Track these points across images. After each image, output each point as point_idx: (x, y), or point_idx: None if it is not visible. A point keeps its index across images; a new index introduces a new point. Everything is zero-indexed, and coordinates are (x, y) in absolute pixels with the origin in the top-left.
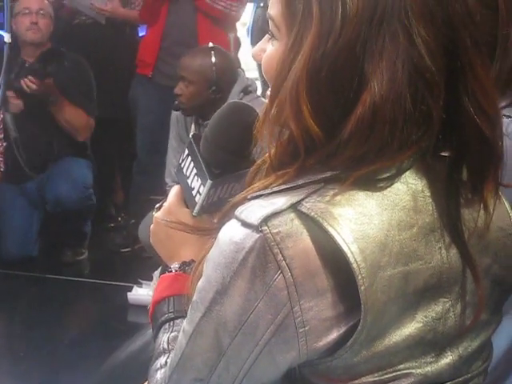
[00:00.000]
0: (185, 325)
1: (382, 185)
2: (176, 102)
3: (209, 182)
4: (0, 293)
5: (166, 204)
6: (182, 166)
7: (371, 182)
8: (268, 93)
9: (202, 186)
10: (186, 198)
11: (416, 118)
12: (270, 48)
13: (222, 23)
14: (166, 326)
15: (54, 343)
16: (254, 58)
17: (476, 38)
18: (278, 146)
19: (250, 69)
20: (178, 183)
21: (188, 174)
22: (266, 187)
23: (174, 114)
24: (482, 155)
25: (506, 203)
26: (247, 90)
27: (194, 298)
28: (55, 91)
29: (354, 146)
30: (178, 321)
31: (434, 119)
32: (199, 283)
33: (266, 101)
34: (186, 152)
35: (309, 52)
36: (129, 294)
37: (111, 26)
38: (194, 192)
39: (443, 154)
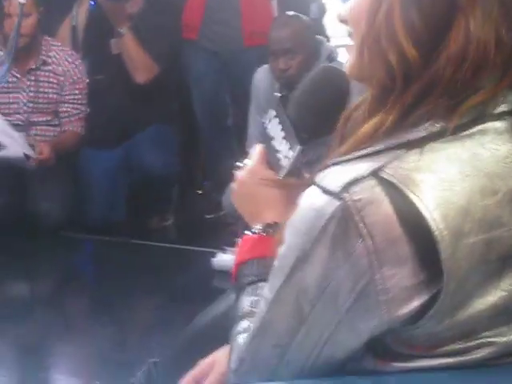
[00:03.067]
0: (265, 291)
1: (465, 133)
2: (281, 81)
3: (299, 147)
4: (86, 258)
5: (249, 163)
6: (268, 126)
7: (454, 141)
8: (351, 43)
9: (290, 151)
10: (271, 160)
11: (507, 45)
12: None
13: None
14: (249, 289)
15: (140, 308)
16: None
17: None
18: (374, 86)
19: (336, 36)
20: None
21: (274, 136)
22: (360, 139)
23: (257, 81)
24: None
25: None
26: (331, 57)
27: (275, 264)
28: (125, 21)
29: (449, 72)
30: (260, 284)
31: None
32: (280, 249)
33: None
34: (274, 113)
35: None
36: (213, 259)
37: None
38: (280, 155)
39: None
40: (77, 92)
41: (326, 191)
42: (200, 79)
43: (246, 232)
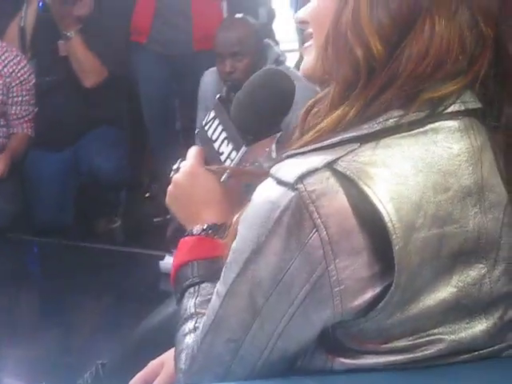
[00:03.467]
0: (218, 286)
1: (419, 130)
2: (228, 83)
3: (244, 148)
4: (34, 260)
5: (186, 165)
6: (207, 128)
7: (408, 137)
8: (307, 44)
9: (234, 152)
10: (211, 162)
11: (470, 43)
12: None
13: None
14: (191, 290)
15: (87, 311)
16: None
17: None
18: (338, 81)
19: (284, 41)
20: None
21: (215, 138)
22: (321, 132)
23: (204, 84)
24: None
25: None
26: (279, 61)
27: (228, 258)
28: (73, 24)
29: (410, 67)
30: (203, 285)
31: (487, 45)
32: (233, 244)
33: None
34: (213, 114)
35: None
36: (161, 262)
37: None
38: (222, 157)
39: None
40: (24, 93)
41: (280, 182)
42: (148, 83)
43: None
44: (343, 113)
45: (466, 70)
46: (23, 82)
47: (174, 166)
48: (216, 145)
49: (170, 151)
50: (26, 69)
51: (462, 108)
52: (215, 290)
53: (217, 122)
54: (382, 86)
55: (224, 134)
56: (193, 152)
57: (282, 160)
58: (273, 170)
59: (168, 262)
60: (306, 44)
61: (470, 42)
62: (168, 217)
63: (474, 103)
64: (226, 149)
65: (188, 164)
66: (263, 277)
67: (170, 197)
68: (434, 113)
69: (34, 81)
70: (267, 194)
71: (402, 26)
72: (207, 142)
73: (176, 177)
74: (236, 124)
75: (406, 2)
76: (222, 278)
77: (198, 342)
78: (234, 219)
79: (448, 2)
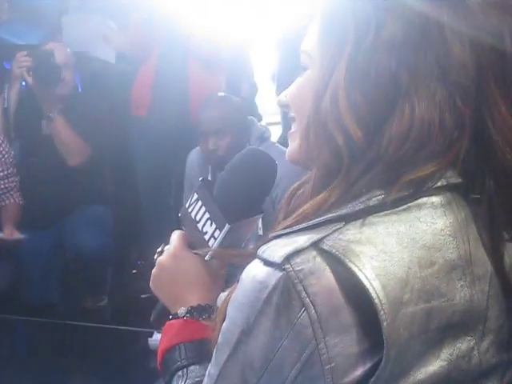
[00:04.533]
0: (210, 368)
1: (402, 208)
2: (212, 161)
3: (227, 226)
4: (20, 339)
5: (170, 248)
6: (190, 210)
7: (391, 215)
8: (293, 129)
9: (217, 231)
10: (196, 243)
11: (450, 124)
12: (299, 81)
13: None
14: (180, 373)
15: None
16: (281, 100)
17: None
18: (319, 167)
19: (267, 113)
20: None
21: (198, 219)
22: (304, 215)
23: (190, 162)
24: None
25: None
26: (263, 137)
27: (219, 340)
28: (56, 105)
29: (392, 151)
30: (191, 368)
31: (466, 124)
32: (223, 325)
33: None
34: (196, 196)
35: (346, 66)
36: (149, 339)
37: None
38: (206, 236)
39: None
40: (8, 166)
41: (267, 263)
42: (147, 157)
43: (158, 315)
44: (325, 197)
45: (446, 150)
46: (6, 156)
47: (158, 249)
48: (200, 225)
49: (163, 226)
50: (4, 144)
51: (444, 183)
52: (207, 371)
53: (200, 203)
54: (363, 170)
55: (207, 215)
56: (176, 235)
57: (268, 240)
58: (259, 251)
59: (156, 339)
60: (292, 130)
61: (449, 122)
62: None
63: (455, 178)
64: (209, 228)
65: (172, 246)
66: (254, 357)
67: (154, 279)
68: (416, 193)
69: (13, 152)
70: (255, 275)
71: (380, 110)
72: (191, 223)
73: (160, 259)
74: (218, 203)
75: (384, 87)
76: (213, 359)
77: None
78: (222, 300)
79: (427, 83)
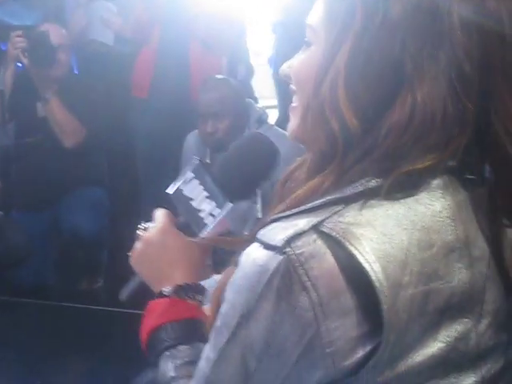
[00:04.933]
0: (207, 351)
1: (400, 195)
2: (210, 144)
3: (229, 204)
4: (15, 321)
5: (157, 224)
6: (182, 188)
7: (391, 198)
8: (294, 104)
9: (216, 209)
10: (189, 221)
11: (452, 116)
12: (302, 57)
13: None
14: (168, 353)
15: (70, 372)
16: (284, 70)
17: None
18: (315, 151)
19: (263, 97)
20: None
21: (193, 197)
22: (298, 199)
23: (187, 145)
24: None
25: None
26: (261, 120)
27: (218, 323)
28: (51, 86)
29: (391, 140)
30: (180, 347)
31: (468, 119)
32: (222, 308)
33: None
34: (192, 175)
35: (349, 49)
36: None
37: None
38: (202, 214)
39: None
40: None
41: (268, 246)
42: (147, 138)
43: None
44: (319, 182)
45: (447, 143)
46: None
47: (140, 226)
48: (194, 203)
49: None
50: None
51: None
52: (203, 355)
53: (196, 181)
54: (358, 158)
55: (205, 193)
56: (161, 213)
57: (266, 224)
58: (259, 234)
59: None
60: (293, 104)
61: (451, 114)
62: None
63: (452, 161)
64: (207, 206)
65: (159, 223)
66: (255, 340)
67: (138, 255)
68: (413, 185)
69: None
70: (255, 258)
71: (381, 98)
72: (182, 201)
73: (147, 235)
74: (220, 184)
75: (387, 74)
76: (211, 342)
77: None
78: (216, 283)
79: (431, 72)
